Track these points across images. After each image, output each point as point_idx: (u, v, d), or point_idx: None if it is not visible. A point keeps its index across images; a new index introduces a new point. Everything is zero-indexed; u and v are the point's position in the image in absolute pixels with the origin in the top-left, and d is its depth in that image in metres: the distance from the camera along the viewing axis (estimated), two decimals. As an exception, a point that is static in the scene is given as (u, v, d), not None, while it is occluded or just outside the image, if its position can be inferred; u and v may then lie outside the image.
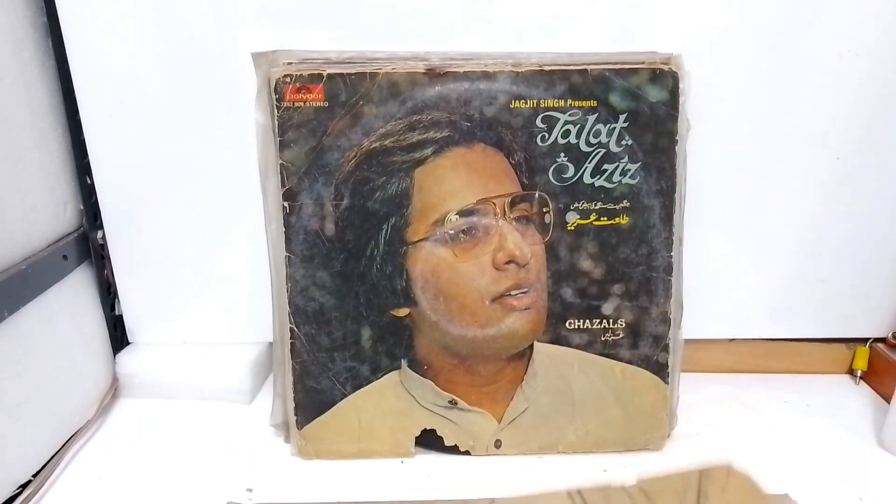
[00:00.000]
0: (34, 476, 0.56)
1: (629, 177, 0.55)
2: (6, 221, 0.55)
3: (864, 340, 0.72)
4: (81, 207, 0.65)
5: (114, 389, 0.68)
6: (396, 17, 0.59)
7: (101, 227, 0.66)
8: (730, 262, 0.68)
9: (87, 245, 0.65)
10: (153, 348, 0.70)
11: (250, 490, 0.55)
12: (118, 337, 0.70)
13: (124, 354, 0.70)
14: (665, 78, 0.54)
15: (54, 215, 0.61)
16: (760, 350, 0.72)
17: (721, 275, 0.68)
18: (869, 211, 0.66)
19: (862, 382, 0.72)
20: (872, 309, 0.70)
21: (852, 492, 0.56)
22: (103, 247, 0.66)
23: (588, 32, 0.59)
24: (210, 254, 0.67)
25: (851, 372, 0.73)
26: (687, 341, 0.62)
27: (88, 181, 0.64)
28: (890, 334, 0.71)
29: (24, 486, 0.54)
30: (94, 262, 0.66)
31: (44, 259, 0.58)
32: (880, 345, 0.72)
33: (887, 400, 0.66)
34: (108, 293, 0.68)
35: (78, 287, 0.64)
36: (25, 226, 0.57)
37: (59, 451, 0.59)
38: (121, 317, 0.70)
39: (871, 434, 0.63)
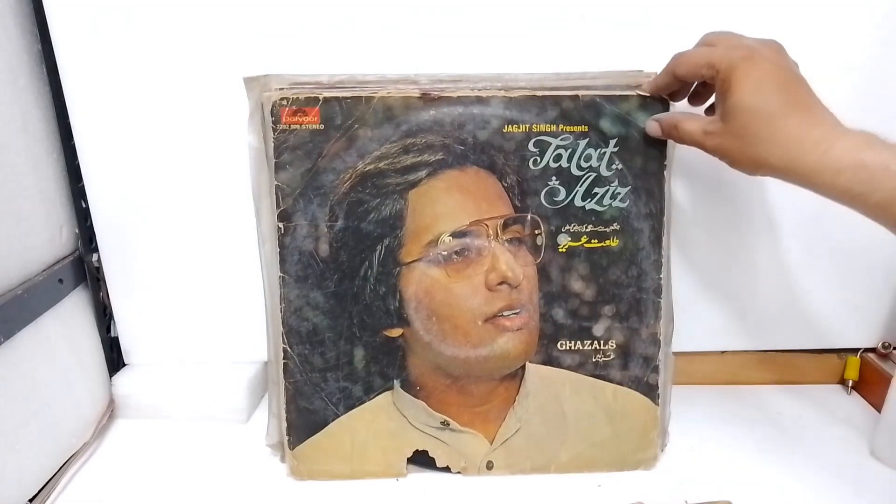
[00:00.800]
0: (31, 500, 0.56)
1: (619, 200, 0.56)
2: (2, 246, 0.55)
3: (854, 351, 0.73)
4: (77, 231, 0.65)
5: (110, 411, 0.68)
6: (386, 40, 0.60)
7: (96, 250, 0.66)
8: (720, 274, 0.69)
9: (83, 268, 0.66)
10: (149, 369, 0.71)
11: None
12: (114, 359, 0.70)
13: (120, 376, 0.70)
14: (654, 104, 0.55)
15: (50, 239, 0.62)
16: (752, 361, 0.73)
17: (712, 287, 0.69)
18: (859, 221, 0.66)
19: (853, 392, 0.73)
20: (863, 319, 0.71)
21: (844, 501, 0.56)
22: (99, 270, 0.67)
23: (576, 51, 0.60)
24: (204, 275, 0.67)
25: (843, 382, 0.73)
26: (678, 354, 0.63)
27: (83, 205, 0.65)
28: (880, 344, 0.71)
29: (21, 510, 0.55)
30: (89, 285, 0.67)
31: (40, 283, 0.58)
32: (871, 355, 0.72)
33: (878, 409, 0.67)
34: (103, 315, 0.68)
35: (74, 310, 0.64)
36: (21, 250, 0.58)
37: (56, 473, 0.59)
38: (117, 339, 0.70)
39: (863, 444, 0.64)
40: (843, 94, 0.62)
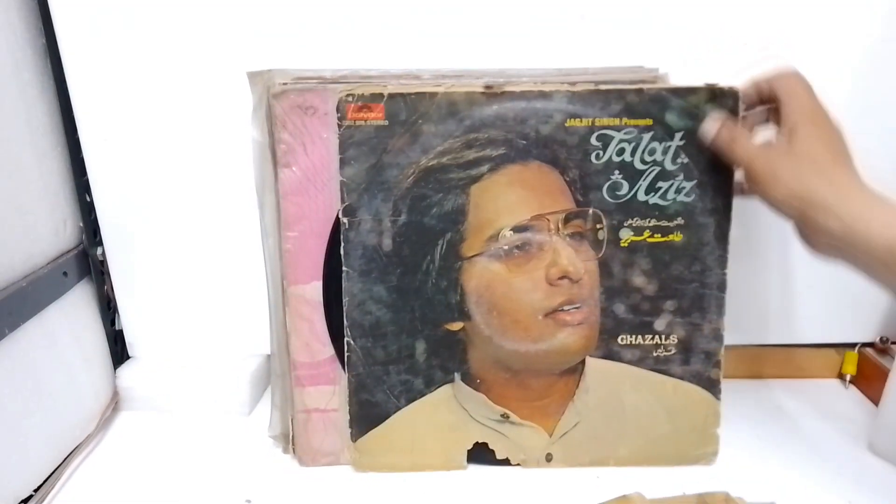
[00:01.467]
0: (35, 490, 0.56)
1: (684, 194, 0.56)
2: (7, 239, 0.56)
3: (853, 345, 0.73)
4: (81, 225, 0.65)
5: (114, 403, 0.68)
6: (389, 34, 0.60)
7: (100, 243, 0.67)
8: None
9: (87, 262, 0.66)
10: (153, 362, 0.71)
11: (249, 501, 0.56)
12: (118, 351, 0.71)
13: (124, 369, 0.70)
14: (725, 98, 0.54)
15: (54, 233, 0.62)
16: (750, 356, 0.73)
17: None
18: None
19: (851, 387, 0.73)
20: (861, 314, 0.72)
21: (842, 495, 0.57)
22: (103, 263, 0.67)
23: (581, 46, 0.61)
24: (208, 269, 0.68)
25: (841, 376, 0.74)
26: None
27: (88, 199, 0.65)
28: (878, 339, 0.72)
29: (25, 501, 0.55)
30: (94, 278, 0.67)
31: (44, 276, 0.59)
32: (869, 349, 0.73)
33: (876, 404, 0.67)
34: (108, 309, 0.69)
35: (78, 303, 0.65)
36: (26, 243, 0.58)
37: (60, 465, 0.60)
38: (121, 332, 0.71)
39: (861, 438, 0.64)
40: (847, 84, 0.62)
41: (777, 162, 0.49)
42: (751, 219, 0.67)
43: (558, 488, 0.58)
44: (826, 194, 0.47)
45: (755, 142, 0.52)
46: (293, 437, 0.60)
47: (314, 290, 0.57)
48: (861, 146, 0.60)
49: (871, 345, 0.73)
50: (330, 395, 0.59)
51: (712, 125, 0.53)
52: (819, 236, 0.49)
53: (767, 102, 0.54)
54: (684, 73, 0.57)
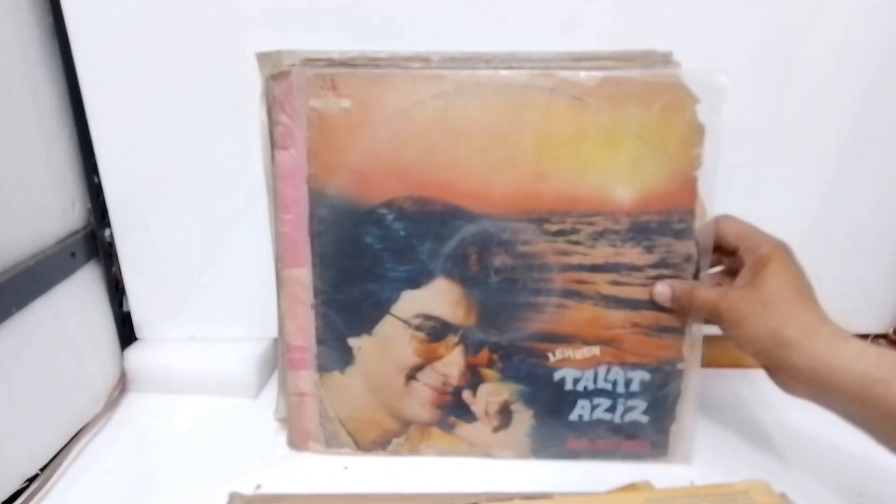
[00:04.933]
0: (42, 470, 0.57)
1: None
2: (15, 219, 0.56)
3: (864, 336, 0.72)
4: (89, 206, 0.66)
5: (121, 385, 0.69)
6: (398, 16, 0.59)
7: (108, 225, 0.67)
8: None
9: (95, 243, 0.66)
10: (160, 344, 0.71)
11: (259, 486, 0.56)
12: (126, 333, 0.71)
13: (132, 350, 0.71)
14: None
15: (62, 213, 0.62)
16: (761, 346, 0.72)
17: (722, 271, 0.69)
18: (869, 205, 0.66)
19: (864, 378, 0.72)
20: (873, 305, 0.71)
21: (852, 488, 0.56)
22: (111, 244, 0.67)
23: (589, 30, 0.60)
24: (216, 251, 0.68)
25: (853, 368, 0.73)
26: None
27: (96, 180, 0.65)
28: (892, 330, 0.71)
29: (31, 480, 0.55)
30: (101, 259, 0.67)
31: (52, 256, 0.59)
32: (882, 340, 0.72)
33: (888, 396, 0.67)
34: (115, 290, 0.69)
35: (86, 284, 0.65)
36: (34, 223, 0.58)
37: (66, 444, 0.60)
38: (128, 313, 0.71)
39: (872, 430, 0.64)
40: (853, 75, 0.61)
41: (741, 304, 0.50)
42: (759, 208, 0.66)
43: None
44: (792, 333, 0.47)
45: (713, 288, 0.53)
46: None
47: (309, 273, 0.57)
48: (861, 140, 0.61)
49: (884, 336, 0.72)
50: (323, 380, 0.59)
51: (663, 288, 0.54)
52: (789, 375, 0.49)
53: (715, 250, 0.54)
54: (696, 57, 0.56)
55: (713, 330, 0.65)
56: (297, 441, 0.61)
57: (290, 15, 0.59)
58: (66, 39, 0.60)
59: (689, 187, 0.53)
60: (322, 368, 0.58)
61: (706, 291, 0.52)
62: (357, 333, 0.57)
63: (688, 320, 0.55)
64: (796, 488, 0.53)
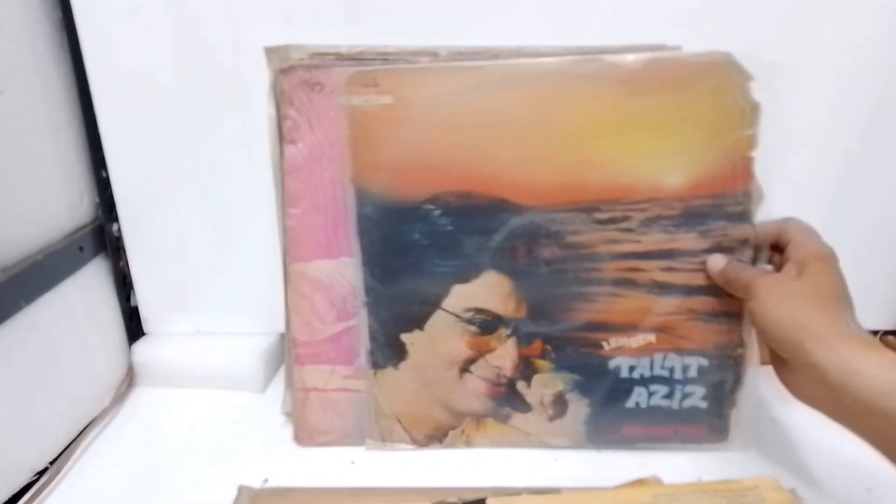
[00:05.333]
0: (51, 463, 0.57)
1: None
2: (23, 213, 0.56)
3: (874, 333, 0.71)
4: (97, 200, 0.65)
5: (129, 379, 0.69)
6: (405, 10, 0.59)
7: (116, 219, 0.67)
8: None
9: (103, 237, 0.66)
10: (168, 338, 0.72)
11: (266, 480, 0.56)
12: (133, 327, 0.71)
13: (140, 344, 0.71)
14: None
15: (70, 207, 0.62)
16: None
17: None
18: (877, 203, 0.66)
19: (872, 374, 0.72)
20: (882, 301, 0.70)
21: (860, 483, 0.56)
22: (119, 239, 0.67)
23: (596, 24, 0.60)
24: (224, 246, 0.68)
25: (862, 364, 0.73)
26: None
27: (104, 174, 0.65)
28: (900, 327, 0.71)
29: (41, 473, 0.56)
30: (109, 253, 0.67)
31: (60, 250, 0.59)
32: (890, 337, 0.71)
33: (897, 392, 0.66)
34: (123, 284, 0.69)
35: (94, 278, 0.65)
36: (42, 217, 0.58)
37: (75, 438, 0.60)
38: (136, 308, 0.71)
39: (881, 426, 0.63)
40: (861, 73, 0.61)
41: (783, 286, 0.49)
42: (766, 205, 0.66)
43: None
44: (824, 328, 0.46)
45: (756, 270, 0.53)
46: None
47: (316, 268, 0.57)
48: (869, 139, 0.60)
49: (893, 333, 0.72)
50: (329, 375, 0.59)
51: (719, 259, 0.54)
52: (807, 373, 0.47)
53: (772, 248, 0.54)
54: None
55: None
56: (303, 436, 0.61)
57: (298, 8, 0.59)
58: (75, 33, 0.60)
59: (743, 169, 0.53)
60: (376, 365, 0.58)
61: (751, 269, 0.52)
62: (409, 329, 0.57)
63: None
64: (805, 484, 0.53)
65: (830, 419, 0.47)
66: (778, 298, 0.49)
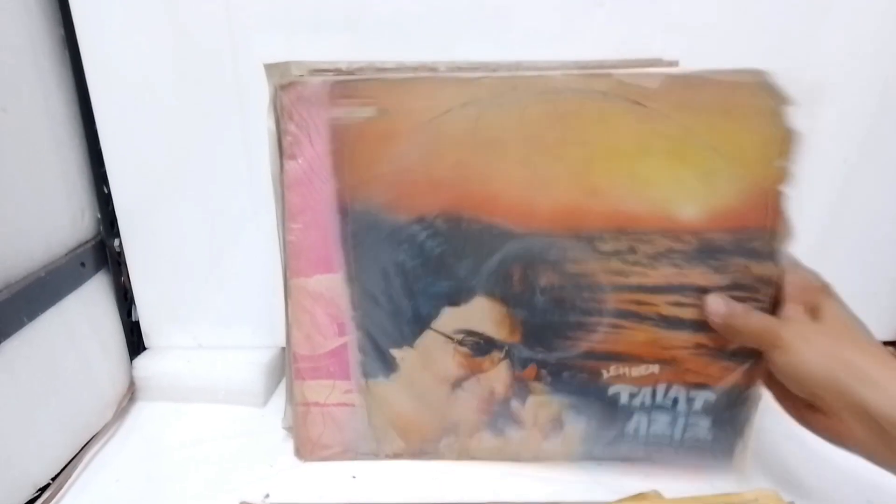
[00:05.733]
0: (53, 478, 0.57)
1: None
2: (26, 230, 0.56)
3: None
4: (98, 216, 0.66)
5: (131, 393, 0.69)
6: (404, 26, 0.60)
7: (117, 235, 0.67)
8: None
9: (104, 252, 0.67)
10: (169, 353, 0.72)
11: (268, 496, 0.56)
12: (135, 342, 0.71)
13: (141, 359, 0.71)
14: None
15: (72, 223, 0.62)
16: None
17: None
18: (876, 211, 0.66)
19: (873, 385, 0.72)
20: (881, 311, 0.71)
21: (861, 494, 0.56)
22: (120, 254, 0.68)
23: (595, 39, 0.60)
24: (224, 261, 0.68)
25: (863, 375, 0.72)
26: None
27: (105, 190, 0.65)
28: (901, 338, 0.71)
29: (43, 489, 0.56)
30: (110, 269, 0.67)
31: (62, 266, 0.59)
32: (890, 348, 0.71)
33: (897, 403, 0.66)
34: (124, 299, 0.69)
35: (95, 293, 0.65)
36: (44, 234, 0.58)
37: (77, 453, 0.60)
38: (137, 322, 0.71)
39: (882, 436, 0.63)
40: (861, 81, 0.61)
41: (807, 329, 0.46)
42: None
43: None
44: (870, 367, 0.43)
45: (769, 315, 0.49)
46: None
47: (317, 282, 0.57)
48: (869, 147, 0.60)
49: (892, 343, 0.72)
50: (329, 390, 0.59)
51: (717, 302, 0.50)
52: (856, 414, 0.44)
53: None
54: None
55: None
56: (304, 451, 0.61)
57: (298, 24, 0.60)
58: (77, 50, 0.60)
59: (770, 203, 0.48)
60: (367, 374, 0.58)
61: (765, 316, 0.49)
62: (398, 346, 0.56)
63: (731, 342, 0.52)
64: (805, 497, 0.53)
65: (879, 464, 0.45)
66: (806, 344, 0.46)
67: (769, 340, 0.48)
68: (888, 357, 0.45)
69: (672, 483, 0.54)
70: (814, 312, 0.47)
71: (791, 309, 0.48)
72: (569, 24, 0.60)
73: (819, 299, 0.48)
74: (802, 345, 0.46)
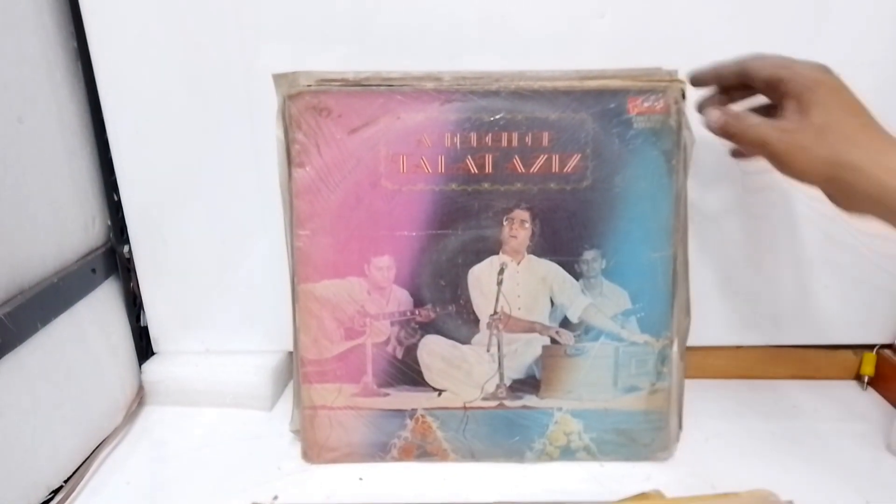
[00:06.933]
0: (65, 481, 0.58)
1: None
2: (39, 237, 0.57)
3: (871, 347, 0.73)
4: (109, 223, 0.67)
5: (140, 397, 0.70)
6: (409, 37, 0.61)
7: (127, 241, 0.68)
8: (736, 269, 0.69)
9: (115, 259, 0.68)
10: (177, 357, 0.73)
11: (276, 498, 0.57)
12: (144, 347, 0.72)
13: (150, 363, 0.72)
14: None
15: (83, 230, 0.64)
16: (767, 357, 0.73)
17: (727, 282, 0.70)
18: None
19: (869, 388, 0.73)
20: (879, 315, 0.71)
21: (860, 497, 0.57)
22: (130, 260, 0.69)
23: (596, 49, 0.61)
24: (232, 266, 0.69)
25: (859, 378, 0.74)
26: (694, 348, 0.63)
27: (116, 197, 0.66)
28: (898, 340, 0.71)
29: (56, 491, 0.57)
30: (120, 275, 0.69)
31: (74, 273, 0.61)
32: (887, 351, 0.72)
33: (895, 405, 0.67)
34: (134, 305, 0.70)
35: (106, 299, 0.66)
36: (57, 241, 0.60)
37: (88, 456, 0.61)
38: (146, 328, 0.72)
39: (879, 439, 0.64)
40: (858, 87, 0.62)
41: (798, 135, 0.47)
42: (766, 219, 0.67)
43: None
44: (856, 157, 0.45)
45: (763, 118, 0.49)
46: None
47: (324, 288, 0.58)
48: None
49: (889, 346, 0.73)
50: (336, 393, 0.60)
51: (714, 114, 0.51)
52: (853, 198, 0.46)
53: (744, 87, 0.52)
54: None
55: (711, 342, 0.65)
56: (311, 453, 0.62)
57: (306, 36, 0.61)
58: (90, 62, 0.62)
59: None
60: None
61: (758, 124, 0.49)
62: None
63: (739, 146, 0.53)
64: (803, 497, 0.54)
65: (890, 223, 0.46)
66: (800, 150, 0.47)
67: (765, 150, 0.49)
68: (875, 138, 0.46)
69: (672, 483, 0.56)
70: (806, 105, 0.47)
71: (786, 109, 0.48)
72: (571, 34, 0.61)
73: (812, 90, 0.47)
74: (791, 150, 0.47)
